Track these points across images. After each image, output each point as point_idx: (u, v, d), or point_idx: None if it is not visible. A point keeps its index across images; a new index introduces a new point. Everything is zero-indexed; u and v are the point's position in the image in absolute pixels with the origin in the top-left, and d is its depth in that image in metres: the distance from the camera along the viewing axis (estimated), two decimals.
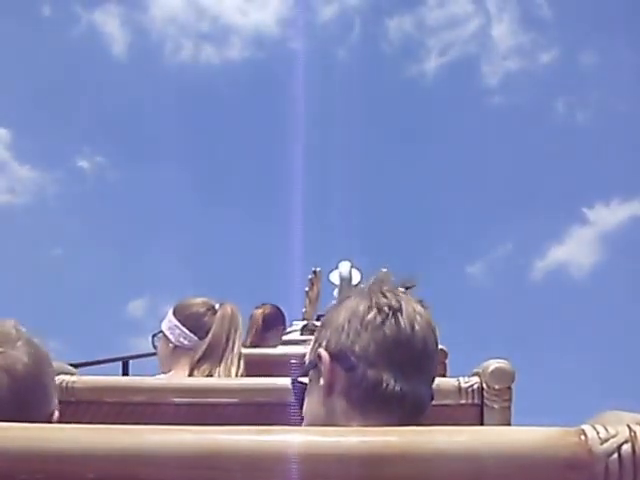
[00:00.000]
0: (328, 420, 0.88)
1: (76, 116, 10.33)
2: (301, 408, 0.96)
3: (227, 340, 1.78)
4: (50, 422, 0.96)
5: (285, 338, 3.09)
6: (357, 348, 0.88)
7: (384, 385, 0.86)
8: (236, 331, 1.81)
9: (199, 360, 1.75)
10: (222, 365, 1.74)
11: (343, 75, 10.66)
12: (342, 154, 10.22)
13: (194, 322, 1.83)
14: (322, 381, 0.89)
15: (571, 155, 10.40)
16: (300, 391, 0.97)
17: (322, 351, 0.91)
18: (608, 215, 9.82)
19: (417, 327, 0.90)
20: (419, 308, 0.93)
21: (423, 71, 10.68)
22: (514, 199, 10.19)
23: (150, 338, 1.91)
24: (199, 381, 1.60)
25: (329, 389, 0.89)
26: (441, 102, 10.66)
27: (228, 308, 1.85)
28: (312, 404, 0.93)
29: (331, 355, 0.90)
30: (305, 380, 0.97)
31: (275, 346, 2.82)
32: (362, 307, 0.92)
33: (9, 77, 9.83)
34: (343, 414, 0.87)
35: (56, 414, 1.00)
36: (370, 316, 0.90)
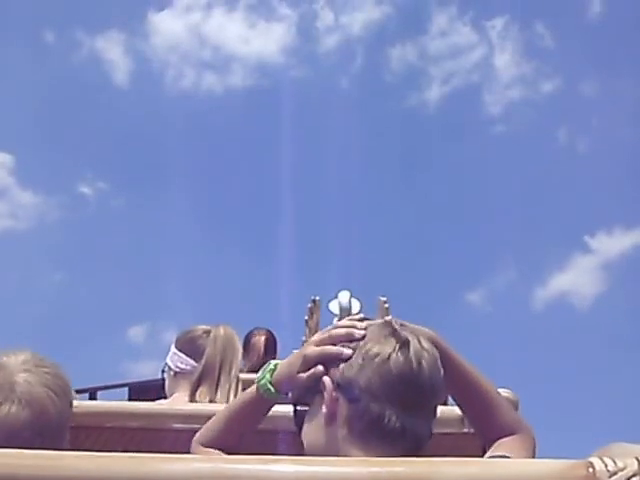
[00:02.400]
0: (328, 448, 0.89)
1: (79, 142, 10.43)
2: (300, 431, 0.96)
3: (222, 362, 1.76)
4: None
5: None
6: (362, 380, 0.88)
7: (386, 420, 0.86)
8: (233, 352, 1.79)
9: (197, 384, 1.73)
10: (219, 389, 1.72)
11: (344, 103, 10.80)
12: (342, 182, 10.30)
13: (190, 346, 1.83)
14: (324, 409, 0.89)
15: (573, 183, 10.47)
16: (301, 416, 0.96)
17: (326, 379, 0.91)
18: (610, 244, 9.83)
19: (424, 363, 0.90)
20: (426, 344, 0.93)
21: (425, 100, 10.80)
22: (515, 227, 10.22)
23: (160, 374, 1.90)
24: (200, 407, 1.59)
25: (331, 418, 0.89)
26: (443, 131, 10.77)
27: (221, 329, 1.83)
28: (312, 430, 0.93)
29: (335, 384, 0.89)
30: (305, 407, 0.96)
31: None
32: (369, 338, 0.91)
33: (12, 102, 9.95)
34: (344, 443, 0.87)
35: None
36: (376, 349, 0.90)
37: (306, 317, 3.94)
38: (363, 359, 0.89)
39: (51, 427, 0.94)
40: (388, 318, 0.96)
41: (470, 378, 1.05)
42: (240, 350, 1.82)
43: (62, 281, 9.95)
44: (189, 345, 1.83)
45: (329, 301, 3.97)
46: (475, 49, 10.64)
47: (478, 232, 10.24)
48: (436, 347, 0.96)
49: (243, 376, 1.88)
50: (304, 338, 3.79)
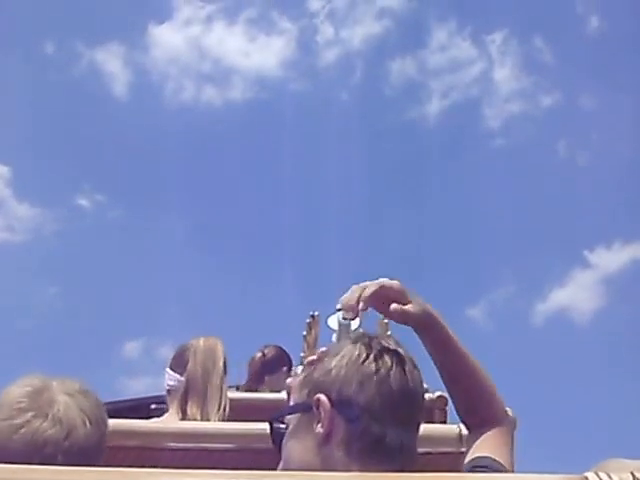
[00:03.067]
0: (322, 468, 0.84)
1: (76, 154, 10.38)
2: (279, 450, 0.91)
3: (204, 374, 1.73)
4: None
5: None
6: (361, 400, 0.85)
7: (387, 440, 0.84)
8: (213, 363, 1.75)
9: (184, 399, 1.70)
10: (208, 402, 1.69)
11: (344, 117, 10.81)
12: (341, 196, 10.31)
13: (176, 362, 1.81)
14: (319, 428, 0.85)
15: (572, 197, 10.45)
16: (279, 434, 0.92)
17: (322, 397, 0.87)
18: (610, 258, 9.79)
19: (414, 376, 0.90)
20: (405, 352, 0.92)
21: (425, 114, 10.82)
22: (515, 242, 10.18)
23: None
24: (195, 425, 1.58)
25: (326, 438, 0.85)
26: (442, 144, 10.77)
27: (201, 341, 1.80)
28: (302, 450, 0.88)
29: (332, 402, 0.86)
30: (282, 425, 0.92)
31: (279, 390, 2.76)
32: (363, 355, 0.89)
33: (10, 113, 9.91)
34: (340, 464, 0.83)
35: None
36: (374, 366, 0.88)
37: (304, 332, 3.92)
38: (361, 377, 0.87)
39: (75, 450, 0.94)
40: (378, 328, 0.95)
41: (467, 361, 1.03)
42: (221, 360, 1.77)
43: (57, 295, 9.89)
44: (175, 361, 1.81)
45: (328, 316, 3.95)
46: (474, 63, 10.69)
47: (478, 247, 10.21)
48: (437, 325, 0.97)
49: (234, 395, 1.86)
50: (302, 354, 3.77)
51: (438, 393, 1.96)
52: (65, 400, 0.97)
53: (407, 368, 0.89)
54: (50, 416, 0.94)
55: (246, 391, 2.75)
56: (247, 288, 10.01)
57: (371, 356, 0.89)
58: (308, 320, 4.01)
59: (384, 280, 0.98)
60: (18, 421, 0.93)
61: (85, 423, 0.96)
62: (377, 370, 0.88)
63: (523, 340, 9.56)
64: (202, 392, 1.70)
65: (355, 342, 0.92)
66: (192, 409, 1.67)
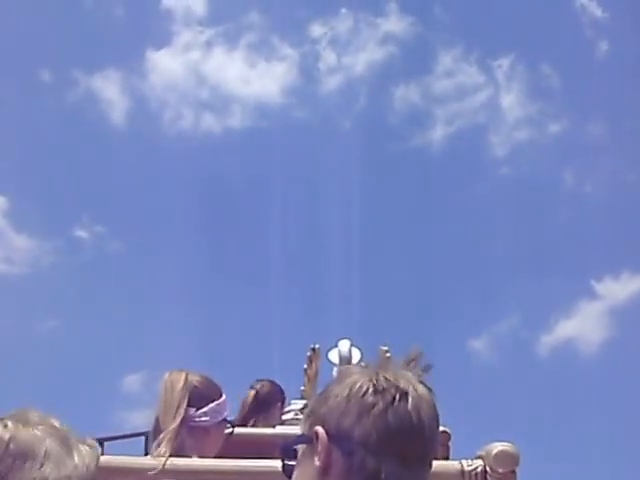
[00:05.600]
0: None
1: (75, 184, 10.31)
2: None
3: (166, 409, 1.68)
4: None
5: (283, 417, 3.00)
6: (357, 434, 0.84)
7: (383, 476, 0.83)
8: (171, 398, 1.70)
9: (156, 434, 1.66)
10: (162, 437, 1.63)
11: (346, 145, 10.73)
12: (344, 226, 10.24)
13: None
14: (317, 461, 0.85)
15: (579, 226, 10.35)
16: (290, 470, 0.92)
17: (320, 429, 0.86)
18: (617, 288, 9.69)
19: (422, 414, 0.87)
20: (422, 390, 0.89)
21: (429, 141, 10.77)
22: (520, 271, 10.09)
23: None
24: (191, 462, 1.55)
25: (324, 470, 0.85)
26: (447, 173, 10.70)
27: (167, 375, 1.76)
28: None
29: (329, 435, 0.85)
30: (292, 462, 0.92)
31: (274, 425, 2.73)
32: (364, 388, 0.87)
33: (6, 143, 9.90)
34: None
35: None
36: (373, 399, 0.86)
37: (305, 366, 3.88)
38: (359, 410, 0.85)
39: None
40: (385, 362, 0.93)
41: None
42: (180, 394, 1.71)
43: (56, 328, 9.80)
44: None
45: (329, 350, 3.92)
46: (481, 89, 10.64)
47: (482, 277, 10.14)
48: None
49: (238, 430, 1.82)
50: (303, 387, 3.73)
51: (440, 428, 1.92)
52: (53, 446, 0.92)
53: (413, 404, 0.86)
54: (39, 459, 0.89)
55: (240, 426, 2.70)
56: (248, 320, 9.96)
57: (371, 389, 0.87)
58: (309, 353, 3.98)
59: None
60: None
61: (79, 465, 0.92)
62: (375, 404, 0.85)
63: (528, 372, 9.45)
64: (162, 431, 1.65)
65: (361, 373, 0.91)
66: (164, 444, 1.61)
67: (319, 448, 0.85)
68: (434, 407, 0.90)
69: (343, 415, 0.86)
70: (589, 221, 10.23)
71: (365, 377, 0.89)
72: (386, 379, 0.88)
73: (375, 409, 0.85)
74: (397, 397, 0.86)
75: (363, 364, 1.01)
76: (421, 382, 0.91)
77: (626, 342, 9.45)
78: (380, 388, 0.87)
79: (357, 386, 0.88)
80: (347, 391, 0.88)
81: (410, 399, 0.87)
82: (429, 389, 0.91)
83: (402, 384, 0.88)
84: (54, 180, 10.33)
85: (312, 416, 0.91)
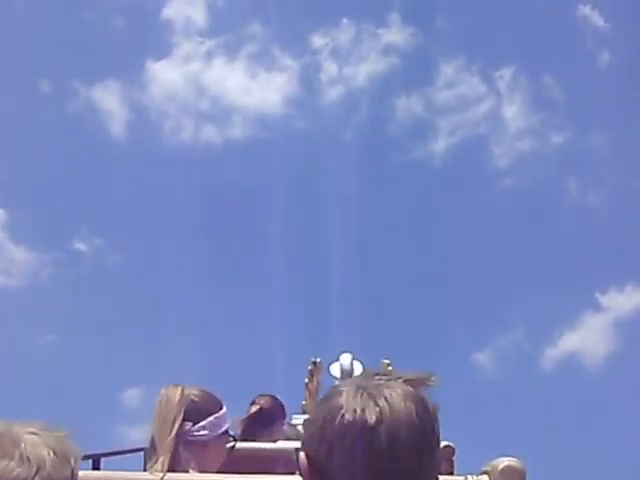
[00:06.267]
0: None
1: (74, 195, 10.26)
2: None
3: (161, 424, 1.66)
4: None
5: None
6: (334, 463, 0.81)
7: None
8: (166, 413, 1.67)
9: (151, 451, 1.63)
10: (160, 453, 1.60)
11: (348, 156, 10.67)
12: (345, 238, 10.18)
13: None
14: None
15: (583, 238, 10.26)
16: None
17: (302, 455, 0.85)
18: (622, 301, 9.62)
19: (401, 438, 0.81)
20: (407, 410, 0.83)
21: (431, 152, 10.71)
22: (524, 284, 10.02)
23: None
24: (189, 477, 1.52)
25: None
26: (449, 184, 10.63)
27: (163, 390, 1.74)
28: None
29: (309, 461, 0.84)
30: None
31: (276, 441, 2.69)
32: (339, 415, 0.83)
33: (5, 154, 9.89)
34: None
35: None
36: (346, 429, 0.82)
37: (306, 380, 3.85)
38: (333, 439, 0.82)
39: None
40: (371, 377, 0.88)
41: None
42: (175, 408, 1.69)
43: (54, 341, 9.74)
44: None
45: (330, 363, 3.89)
46: (483, 100, 10.59)
47: (485, 289, 10.07)
48: None
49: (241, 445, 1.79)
50: (304, 402, 3.70)
51: (445, 443, 1.90)
52: (30, 438, 0.96)
53: (388, 432, 0.81)
54: (17, 455, 0.93)
55: (242, 442, 2.67)
56: (248, 334, 9.90)
57: (347, 416, 0.82)
58: (310, 367, 3.95)
59: None
60: None
61: (53, 459, 0.95)
62: (347, 434, 0.81)
63: (532, 386, 9.37)
64: (158, 448, 1.62)
65: (345, 393, 0.86)
66: (161, 461, 1.59)
67: (303, 474, 0.85)
68: (421, 427, 0.83)
69: (320, 444, 0.83)
70: (593, 233, 10.16)
71: (346, 399, 0.85)
72: (367, 401, 0.84)
73: (347, 440, 0.81)
74: (372, 424, 0.81)
75: (354, 378, 0.97)
76: (413, 398, 0.85)
77: (631, 354, 9.38)
78: (357, 416, 0.82)
79: (334, 412, 0.84)
80: (323, 419, 0.85)
81: (384, 427, 0.81)
82: (424, 406, 0.85)
83: (381, 405, 0.83)
84: (53, 192, 10.29)
85: (302, 438, 0.90)
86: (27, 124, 10.26)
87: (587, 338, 9.61)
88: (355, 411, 0.82)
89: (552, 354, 9.72)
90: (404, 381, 0.88)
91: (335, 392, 0.87)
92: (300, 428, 2.94)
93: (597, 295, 9.64)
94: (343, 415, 0.83)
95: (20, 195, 9.82)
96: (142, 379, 8.79)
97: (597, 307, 9.69)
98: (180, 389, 1.71)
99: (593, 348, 9.77)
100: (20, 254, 9.75)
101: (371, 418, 0.82)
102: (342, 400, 0.84)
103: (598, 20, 10.44)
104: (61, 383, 9.17)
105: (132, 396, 9.14)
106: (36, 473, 0.93)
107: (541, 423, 8.65)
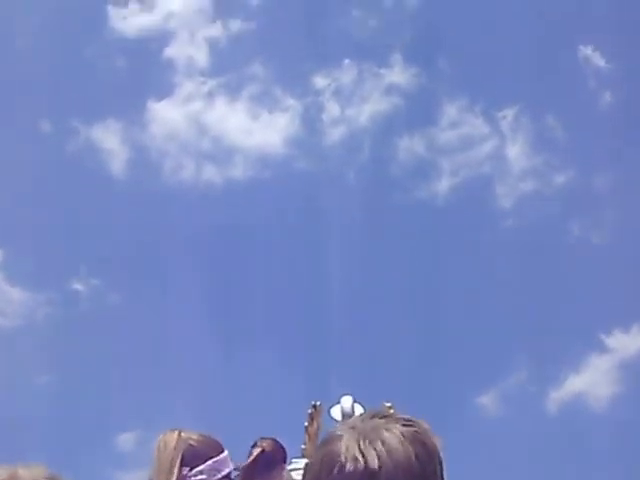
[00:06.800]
0: None
1: (72, 235, 10.19)
2: None
3: (159, 469, 1.61)
4: None
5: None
6: None
7: None
8: (162, 460, 1.63)
9: None
10: None
11: (350, 197, 10.66)
12: (347, 280, 10.13)
13: None
14: None
15: (587, 279, 10.18)
16: None
17: None
18: (628, 342, 9.50)
19: None
20: (405, 454, 0.81)
21: (434, 193, 10.70)
22: (527, 326, 9.91)
23: None
24: None
25: None
26: (453, 224, 10.61)
27: (161, 436, 1.69)
28: None
29: None
30: None
31: None
32: (332, 463, 0.81)
33: (3, 193, 9.86)
34: None
35: None
36: (349, 475, 0.79)
37: (306, 423, 3.78)
38: None
39: None
40: (365, 418, 0.85)
41: None
42: (172, 453, 1.64)
43: (50, 383, 9.57)
44: None
45: (331, 406, 3.83)
46: (486, 140, 10.62)
47: (488, 331, 9.98)
48: None
49: None
50: (304, 446, 3.63)
51: None
52: None
53: (401, 468, 0.79)
54: None
55: None
56: (246, 378, 9.78)
57: (338, 466, 0.80)
58: (310, 410, 3.88)
59: None
60: None
61: None
62: (354, 476, 0.79)
63: (536, 429, 9.20)
64: None
65: (342, 438, 0.83)
66: None
67: None
68: (420, 470, 0.81)
69: None
70: (597, 273, 10.11)
71: (344, 444, 0.82)
72: (365, 446, 0.81)
73: None
74: (371, 470, 0.79)
75: (356, 417, 0.94)
76: (412, 440, 0.83)
77: (636, 396, 9.24)
78: (356, 464, 0.80)
79: (331, 459, 0.82)
80: (319, 465, 0.83)
81: (383, 473, 0.79)
82: (423, 447, 0.83)
83: (379, 450, 0.80)
84: (52, 231, 10.23)
85: None
86: (26, 163, 10.26)
87: (592, 380, 9.48)
88: (354, 459, 0.80)
89: (557, 396, 9.57)
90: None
91: (332, 437, 0.85)
92: (293, 474, 2.88)
93: (602, 337, 9.56)
94: (341, 463, 0.80)
95: (16, 233, 9.78)
96: (137, 423, 8.65)
97: (602, 349, 9.59)
98: (177, 433, 1.68)
99: (598, 390, 9.63)
100: (15, 294, 9.64)
101: (369, 464, 0.79)
102: (340, 446, 0.82)
103: (599, 61, 10.57)
104: (55, 425, 9.01)
105: (126, 440, 8.96)
106: None
107: (545, 465, 8.47)
